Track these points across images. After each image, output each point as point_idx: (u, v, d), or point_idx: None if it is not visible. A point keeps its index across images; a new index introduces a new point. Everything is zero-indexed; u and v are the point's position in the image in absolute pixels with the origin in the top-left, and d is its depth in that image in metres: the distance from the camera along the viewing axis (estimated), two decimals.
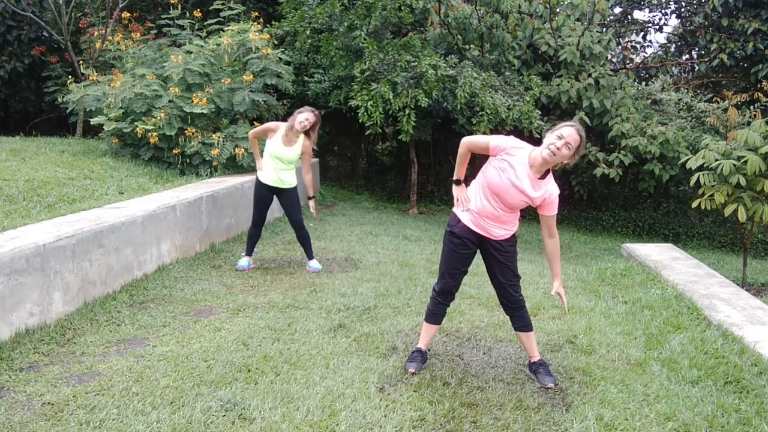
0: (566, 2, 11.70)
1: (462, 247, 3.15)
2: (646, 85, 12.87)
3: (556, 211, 3.07)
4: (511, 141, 3.03)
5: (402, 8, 9.61)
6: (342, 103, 10.20)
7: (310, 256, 5.39)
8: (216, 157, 6.90)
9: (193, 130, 6.97)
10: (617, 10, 15.71)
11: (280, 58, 8.32)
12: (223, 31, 8.33)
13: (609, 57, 13.55)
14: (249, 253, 5.32)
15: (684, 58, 16.17)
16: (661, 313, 4.33)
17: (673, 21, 17.32)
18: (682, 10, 15.86)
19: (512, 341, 3.71)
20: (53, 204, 4.80)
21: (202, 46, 7.71)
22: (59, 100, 9.12)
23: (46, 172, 5.71)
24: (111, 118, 7.02)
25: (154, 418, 2.58)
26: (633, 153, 10.38)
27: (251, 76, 7.61)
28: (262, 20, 9.53)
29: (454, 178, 3.23)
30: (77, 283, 3.83)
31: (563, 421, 2.75)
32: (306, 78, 10.72)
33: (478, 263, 3.41)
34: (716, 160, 6.07)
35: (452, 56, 10.05)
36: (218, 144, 6.97)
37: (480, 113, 9.12)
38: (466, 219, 3.13)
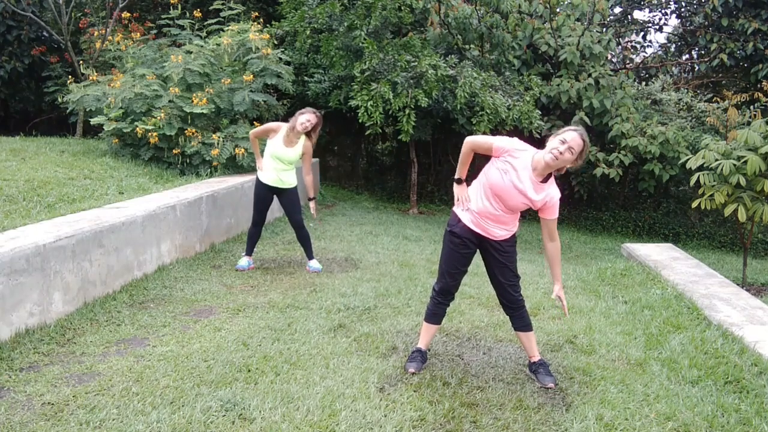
0: (566, 2, 11.71)
1: (462, 246, 3.15)
2: (646, 85, 12.87)
3: (557, 215, 3.07)
4: (515, 143, 3.03)
5: (402, 8, 9.61)
6: (342, 103, 10.20)
7: (310, 256, 5.39)
8: (216, 157, 6.90)
9: (193, 130, 6.97)
10: (617, 10, 15.71)
11: (280, 58, 8.32)
12: (223, 31, 8.33)
13: (609, 57, 13.55)
14: (249, 253, 5.32)
15: (684, 58, 16.18)
16: (661, 313, 4.33)
17: (673, 21, 17.34)
18: (682, 10, 15.86)
19: (512, 341, 3.71)
20: (53, 204, 4.80)
21: (202, 46, 7.72)
22: (59, 100, 9.12)
23: (46, 172, 5.71)
24: (111, 118, 7.02)
25: (154, 418, 2.58)
26: (633, 153, 10.38)
27: (251, 76, 7.61)
28: (262, 20, 9.54)
29: (456, 176, 3.23)
30: (77, 283, 3.83)
31: (563, 421, 2.75)
32: (306, 78, 10.72)
33: (478, 263, 3.42)
34: (716, 160, 6.07)
35: (452, 56, 10.05)
36: (218, 144, 6.97)
37: (480, 113, 9.12)
38: (466, 219, 3.13)
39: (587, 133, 2.99)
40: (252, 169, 7.06)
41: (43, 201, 4.82)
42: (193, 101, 7.03)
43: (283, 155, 5.05)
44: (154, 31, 9.87)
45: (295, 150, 5.07)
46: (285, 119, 6.28)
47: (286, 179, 5.17)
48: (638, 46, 16.25)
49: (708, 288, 4.87)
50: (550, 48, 11.21)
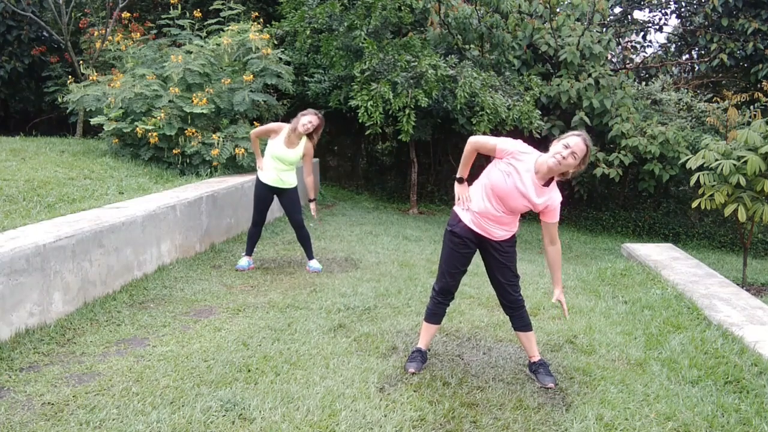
0: (566, 2, 11.71)
1: (462, 246, 3.15)
2: (646, 85, 12.87)
3: (557, 219, 3.08)
4: (519, 145, 3.03)
5: (402, 8, 9.61)
6: (342, 103, 10.20)
7: (310, 256, 5.39)
8: (216, 157, 6.90)
9: (193, 130, 6.97)
10: (617, 10, 15.71)
11: (280, 58, 8.32)
12: (223, 31, 8.33)
13: (609, 57, 13.55)
14: (249, 253, 5.32)
15: (684, 58, 16.18)
16: (661, 313, 4.33)
17: (673, 21, 17.34)
18: (682, 10, 15.87)
19: (512, 341, 3.71)
20: (53, 204, 4.80)
21: (202, 46, 7.72)
22: (59, 100, 9.12)
23: (46, 172, 5.71)
24: (111, 118, 7.02)
25: (154, 418, 2.58)
26: (633, 153, 10.38)
27: (251, 76, 7.61)
28: (262, 20, 9.54)
29: (458, 176, 3.23)
30: (77, 283, 3.83)
31: (563, 421, 2.75)
32: (306, 78, 10.72)
33: (478, 263, 3.42)
34: (716, 160, 6.07)
35: (452, 56, 10.05)
36: (218, 144, 6.97)
37: (480, 113, 9.12)
38: (466, 219, 3.13)
39: (587, 134, 3.00)
40: (252, 169, 7.06)
41: (43, 201, 4.83)
42: (193, 101, 7.03)
43: (284, 156, 5.05)
44: (154, 31, 9.87)
45: (296, 151, 5.07)
46: (285, 119, 6.29)
47: (287, 179, 5.18)
48: (638, 46, 16.25)
49: (708, 288, 4.87)
50: (550, 48, 11.21)
